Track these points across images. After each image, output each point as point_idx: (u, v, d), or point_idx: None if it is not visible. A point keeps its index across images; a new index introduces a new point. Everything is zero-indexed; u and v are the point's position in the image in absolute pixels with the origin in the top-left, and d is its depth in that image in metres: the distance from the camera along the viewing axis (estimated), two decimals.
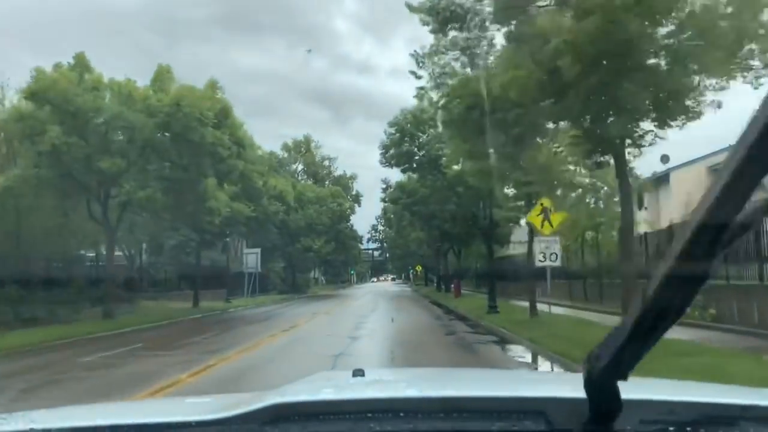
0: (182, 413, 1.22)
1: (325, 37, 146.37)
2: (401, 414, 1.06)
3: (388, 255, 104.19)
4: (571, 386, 1.11)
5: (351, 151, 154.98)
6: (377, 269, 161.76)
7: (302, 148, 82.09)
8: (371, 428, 1.03)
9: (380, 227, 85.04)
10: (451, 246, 44.65)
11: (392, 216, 61.52)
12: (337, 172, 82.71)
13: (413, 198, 34.85)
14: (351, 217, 60.97)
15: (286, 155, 77.39)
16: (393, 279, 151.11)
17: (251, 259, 40.59)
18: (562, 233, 19.83)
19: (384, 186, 38.50)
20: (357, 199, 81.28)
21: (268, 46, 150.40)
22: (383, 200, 37.60)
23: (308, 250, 52.03)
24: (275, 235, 51.45)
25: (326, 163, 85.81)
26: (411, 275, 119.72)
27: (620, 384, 0.95)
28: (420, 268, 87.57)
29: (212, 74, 33.83)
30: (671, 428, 1.04)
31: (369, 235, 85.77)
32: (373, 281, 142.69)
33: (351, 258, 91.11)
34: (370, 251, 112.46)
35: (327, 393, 1.36)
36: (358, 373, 1.49)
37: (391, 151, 29.62)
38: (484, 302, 27.88)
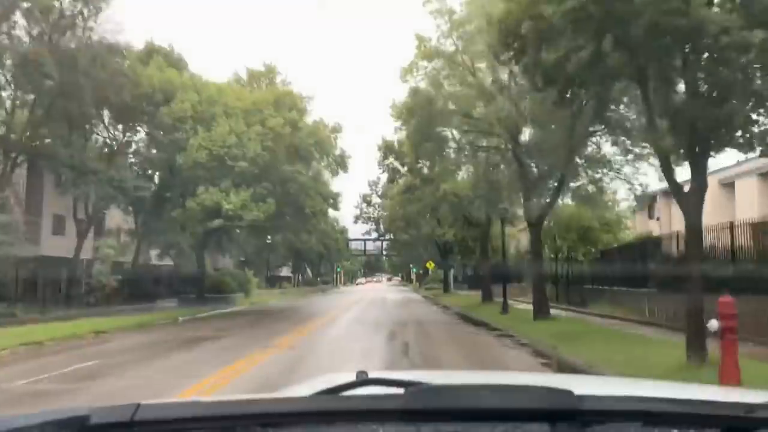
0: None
1: None
2: (405, 417, 1.05)
3: (385, 245, 75.27)
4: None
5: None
6: (372, 266, 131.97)
7: (262, 81, 53.67)
8: (375, 431, 1.04)
9: (375, 197, 56.12)
10: None
11: (394, 166, 33.48)
12: (313, 116, 55.73)
13: None
14: (319, 164, 32.69)
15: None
16: (389, 279, 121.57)
17: None
18: None
19: None
20: (342, 162, 54.12)
21: None
22: None
23: (214, 212, 23.57)
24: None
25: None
26: (414, 274, 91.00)
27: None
28: (432, 265, 59.29)
29: None
30: None
31: (358, 212, 56.91)
32: (360, 283, 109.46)
33: (328, 243, 62.67)
34: (362, 241, 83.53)
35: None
36: (362, 375, 1.42)
37: None
38: None
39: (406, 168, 32.81)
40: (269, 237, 45.85)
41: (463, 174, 25.75)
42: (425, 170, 32.24)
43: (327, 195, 30.76)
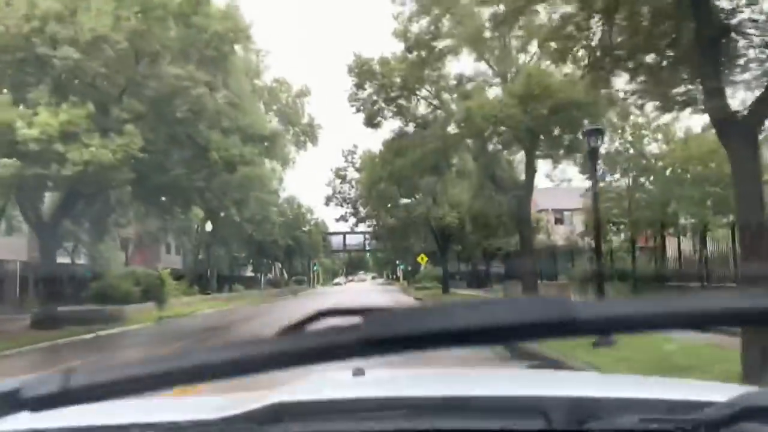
0: (183, 412, 1.22)
1: None
2: (401, 413, 1.05)
3: (367, 239, 63.56)
4: (571, 385, 1.02)
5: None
6: (354, 264, 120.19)
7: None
8: (371, 427, 1.03)
9: (351, 169, 44.25)
10: None
11: (374, 101, 21.93)
12: (272, 72, 45.72)
13: None
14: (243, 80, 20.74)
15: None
16: (374, 278, 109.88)
17: None
18: None
19: None
20: (312, 133, 43.63)
21: None
22: None
23: (4, 146, 11.60)
24: None
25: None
26: (400, 272, 79.57)
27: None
28: (425, 259, 47.95)
29: None
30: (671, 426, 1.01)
31: (331, 191, 44.97)
32: (339, 283, 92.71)
33: (298, 236, 51.07)
34: (342, 234, 71.93)
35: (328, 392, 1.32)
36: (359, 372, 1.43)
37: None
38: None
39: (393, 106, 21.05)
40: (209, 221, 34.03)
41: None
42: (421, 105, 20.64)
43: (251, 131, 17.46)
